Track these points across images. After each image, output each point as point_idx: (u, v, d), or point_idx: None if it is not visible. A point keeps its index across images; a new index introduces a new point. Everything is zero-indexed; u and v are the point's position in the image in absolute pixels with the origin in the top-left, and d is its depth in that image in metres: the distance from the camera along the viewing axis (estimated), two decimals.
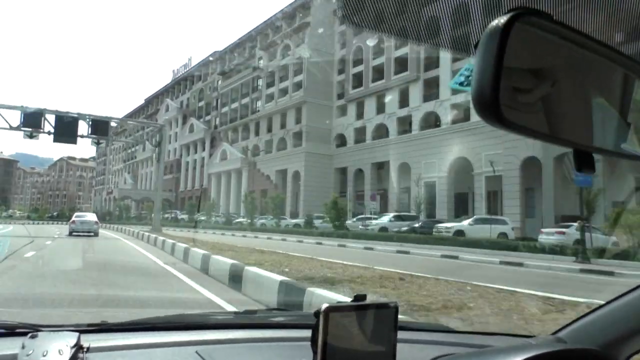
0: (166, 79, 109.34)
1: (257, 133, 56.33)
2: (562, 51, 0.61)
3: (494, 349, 1.21)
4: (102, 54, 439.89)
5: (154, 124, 35.25)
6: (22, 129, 24.55)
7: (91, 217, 25.01)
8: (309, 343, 0.88)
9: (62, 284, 7.12)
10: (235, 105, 60.94)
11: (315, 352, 0.84)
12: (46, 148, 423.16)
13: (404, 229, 24.69)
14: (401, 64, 41.83)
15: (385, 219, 28.00)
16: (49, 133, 24.97)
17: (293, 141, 50.51)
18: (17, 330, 1.21)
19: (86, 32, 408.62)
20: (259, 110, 56.47)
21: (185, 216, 48.37)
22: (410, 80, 41.45)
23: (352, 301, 0.89)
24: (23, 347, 1.01)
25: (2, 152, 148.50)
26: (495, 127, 0.58)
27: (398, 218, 28.15)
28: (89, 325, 1.34)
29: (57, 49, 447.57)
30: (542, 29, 0.59)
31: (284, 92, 52.86)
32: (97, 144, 26.54)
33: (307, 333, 1.20)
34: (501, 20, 0.57)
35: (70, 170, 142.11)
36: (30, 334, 1.08)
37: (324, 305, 0.84)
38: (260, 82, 57.20)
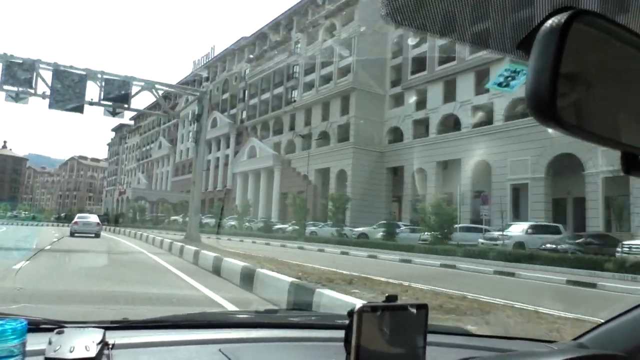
0: (186, 71, 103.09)
1: (292, 127, 49.00)
2: (618, 52, 0.59)
3: (516, 353, 1.21)
4: (116, 37, 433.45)
5: (192, 91, 28.07)
6: (5, 87, 17.09)
7: (94, 218, 25.85)
8: (332, 343, 0.87)
9: None
10: (266, 96, 53.72)
11: (348, 352, 0.83)
12: (59, 149, 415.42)
13: (562, 246, 16.73)
14: None
15: (517, 231, 20.13)
16: (43, 96, 17.53)
17: (337, 135, 43.20)
18: (42, 326, 1.19)
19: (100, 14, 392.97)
20: (295, 101, 49.19)
21: (210, 220, 41.06)
22: (491, 61, 33.94)
23: (383, 301, 0.88)
24: (50, 343, 1.00)
25: (11, 150, 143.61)
26: (552, 128, 0.56)
27: (536, 229, 20.25)
28: (112, 322, 1.33)
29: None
30: (599, 29, 0.57)
31: (326, 79, 45.56)
32: (113, 114, 18.59)
33: (330, 333, 1.28)
34: (560, 19, 0.55)
35: (81, 170, 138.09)
36: (56, 330, 1.06)
37: (358, 305, 0.84)
38: (297, 68, 49.90)
